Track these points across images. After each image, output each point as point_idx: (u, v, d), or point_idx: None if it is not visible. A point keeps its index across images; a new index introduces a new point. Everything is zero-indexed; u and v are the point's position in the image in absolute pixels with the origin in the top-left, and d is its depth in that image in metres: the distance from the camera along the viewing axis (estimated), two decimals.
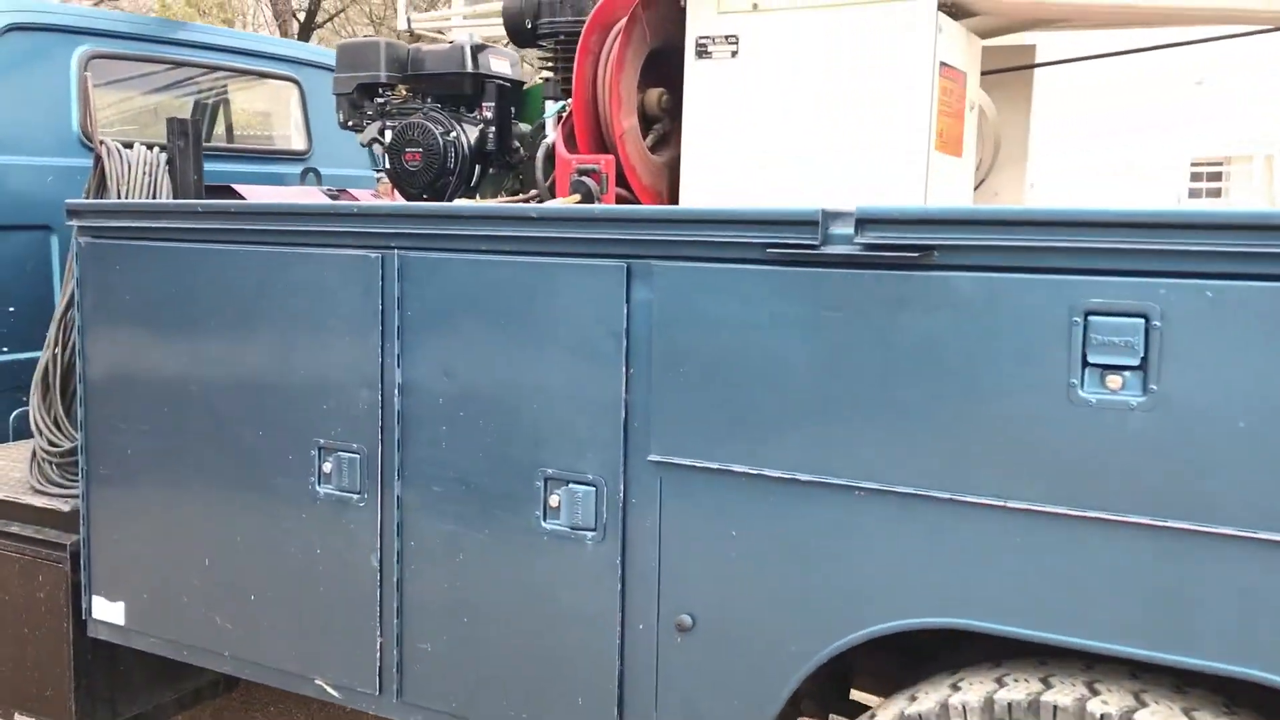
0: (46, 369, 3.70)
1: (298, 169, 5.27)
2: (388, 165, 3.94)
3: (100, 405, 3.37)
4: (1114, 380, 2.05)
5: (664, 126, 3.46)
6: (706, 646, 2.48)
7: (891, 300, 2.23)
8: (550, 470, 2.64)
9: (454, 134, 3.86)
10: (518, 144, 3.99)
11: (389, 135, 3.91)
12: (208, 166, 4.15)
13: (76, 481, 3.48)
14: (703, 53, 3.20)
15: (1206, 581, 2.00)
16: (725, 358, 2.41)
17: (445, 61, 3.94)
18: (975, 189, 3.67)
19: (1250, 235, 1.93)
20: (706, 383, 2.44)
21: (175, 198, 3.79)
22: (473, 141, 3.89)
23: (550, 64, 3.70)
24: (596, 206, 2.53)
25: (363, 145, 4.02)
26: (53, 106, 4.47)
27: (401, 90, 4.02)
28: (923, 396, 2.21)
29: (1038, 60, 3.80)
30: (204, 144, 4.43)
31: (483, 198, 4.09)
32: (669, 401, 2.49)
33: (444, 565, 2.81)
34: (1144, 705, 2.06)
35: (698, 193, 3.23)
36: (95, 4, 5.09)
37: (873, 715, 2.37)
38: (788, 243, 2.31)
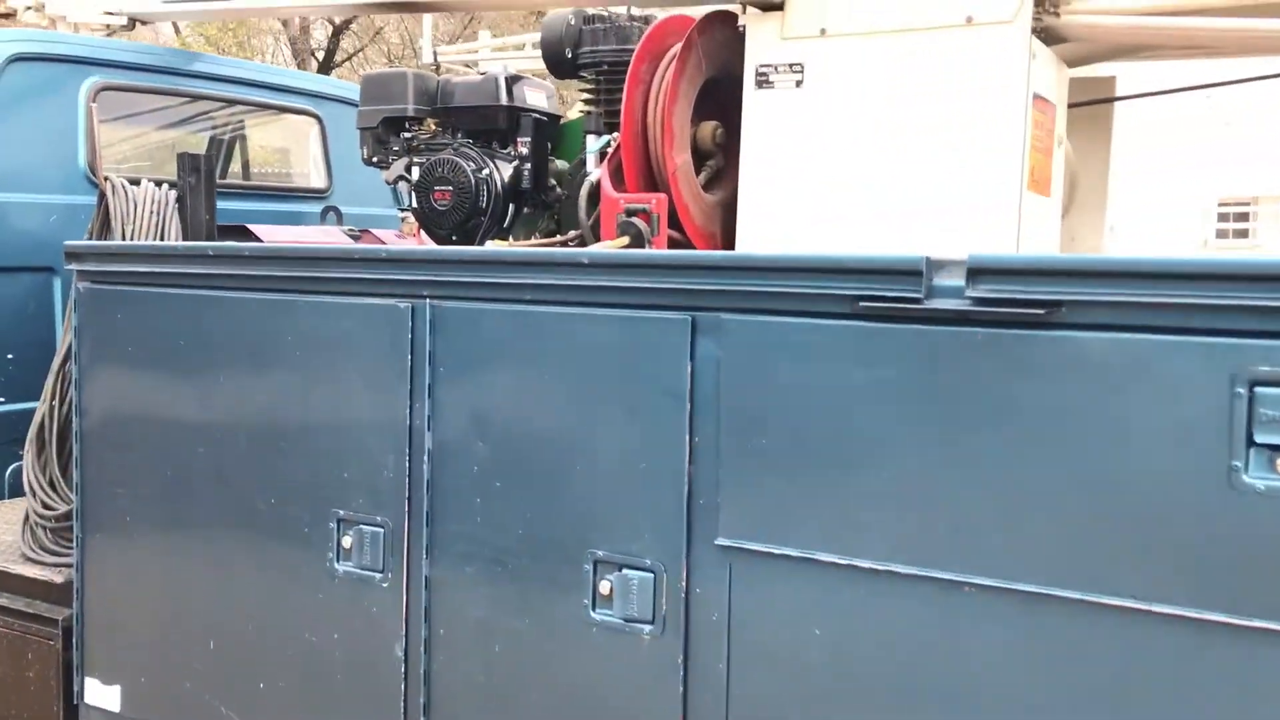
0: (42, 424, 3.40)
1: (317, 208, 4.99)
2: (415, 204, 3.65)
3: (97, 467, 3.06)
4: None
5: (718, 163, 3.17)
6: None
7: (1009, 364, 1.91)
8: (601, 552, 2.31)
9: (486, 171, 3.57)
10: (554, 182, 3.70)
11: (416, 172, 3.63)
12: (222, 205, 3.88)
13: (71, 549, 3.17)
14: (764, 82, 2.90)
15: None
16: (808, 426, 2.09)
17: (477, 93, 3.66)
18: None
19: None
20: (785, 455, 2.11)
21: (185, 239, 3.51)
22: (507, 179, 3.60)
23: (592, 96, 3.41)
24: (658, 252, 2.23)
25: (388, 183, 3.73)
26: (58, 141, 4.21)
27: (430, 124, 3.75)
28: (1047, 478, 1.88)
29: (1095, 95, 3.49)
30: (218, 181, 4.16)
31: (516, 239, 3.80)
32: (740, 476, 2.16)
33: (477, 657, 2.47)
34: None
35: (757, 235, 2.93)
36: (108, 34, 4.82)
37: None
38: (885, 295, 1.99)
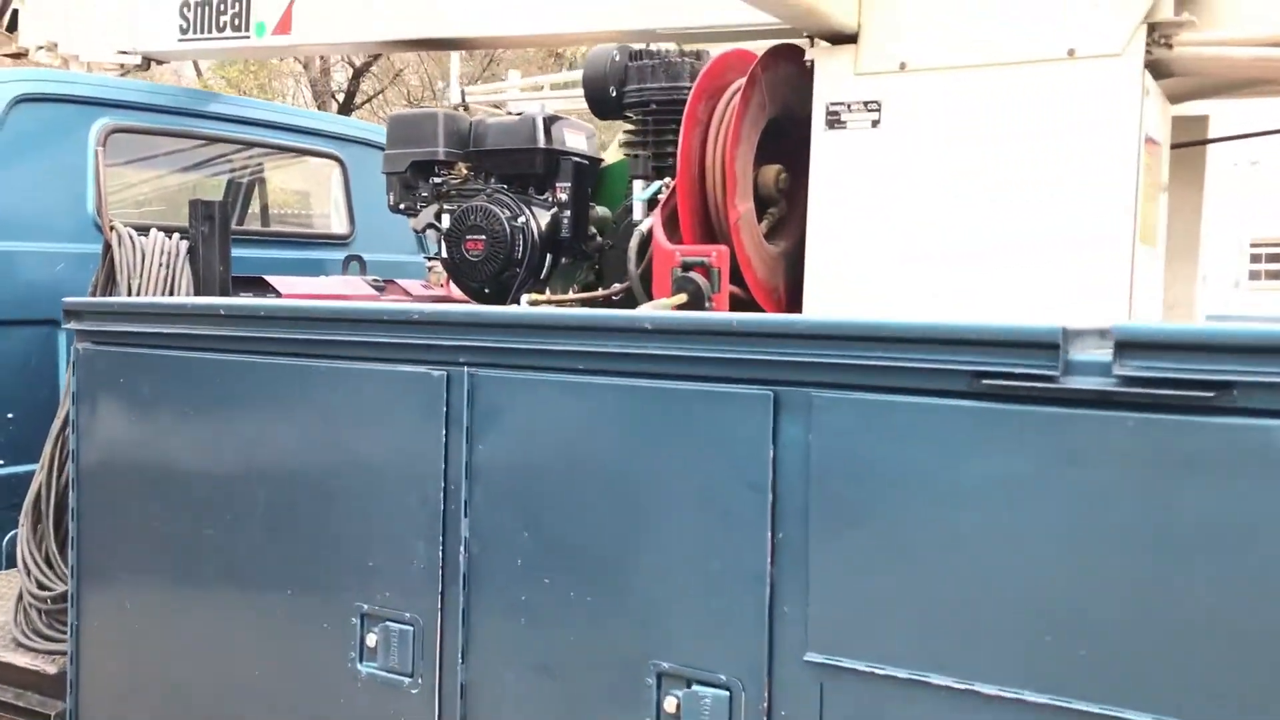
0: (39, 495, 3.12)
1: (339, 255, 4.72)
2: (444, 254, 3.37)
3: (95, 547, 2.76)
4: None
5: (781, 211, 2.88)
6: None
7: (1168, 456, 1.59)
8: (666, 664, 1.99)
9: (523, 219, 3.29)
10: (594, 230, 3.42)
11: (447, 220, 3.36)
12: (238, 253, 3.61)
13: (66, 635, 2.87)
14: (835, 122, 2.62)
15: None
16: (915, 524, 1.77)
17: (513, 135, 3.39)
18: None
19: None
20: (888, 558, 1.80)
21: (197, 292, 3.24)
22: (544, 227, 3.33)
23: (639, 137, 3.13)
24: (734, 316, 1.93)
25: (416, 231, 3.47)
26: (66, 185, 3.96)
27: (462, 168, 3.48)
28: (1221, 595, 1.56)
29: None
30: (236, 228, 3.90)
31: (553, 292, 3.51)
32: (833, 581, 1.85)
33: None
34: None
35: (827, 293, 2.63)
36: (123, 74, 4.60)
37: None
38: (1012, 371, 1.68)
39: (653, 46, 3.20)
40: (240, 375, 2.52)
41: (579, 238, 3.37)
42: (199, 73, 18.40)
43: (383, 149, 5.12)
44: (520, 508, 2.16)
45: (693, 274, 2.58)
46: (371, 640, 2.32)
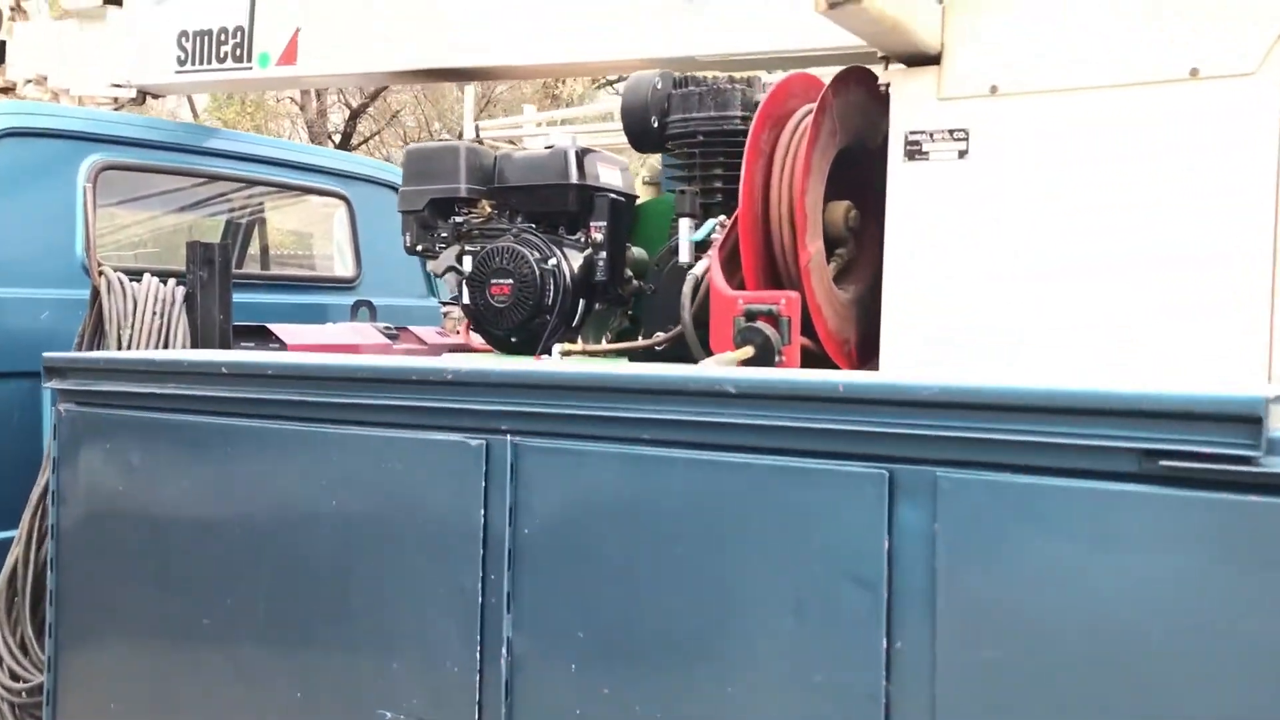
0: (14, 572, 2.79)
1: (344, 299, 4.42)
2: (467, 300, 3.07)
3: (76, 636, 2.43)
4: None
5: (849, 252, 2.58)
6: None
7: None
8: None
9: (553, 261, 3.00)
10: (630, 273, 3.12)
11: (469, 263, 3.06)
12: (239, 298, 3.31)
13: None
14: (916, 153, 2.33)
15: None
16: (1070, 636, 1.45)
17: (542, 170, 3.10)
18: None
19: None
20: (1033, 676, 1.48)
21: (195, 344, 2.92)
22: (577, 270, 3.03)
23: (685, 172, 2.84)
24: (844, 379, 1.62)
25: (436, 275, 3.16)
26: (53, 226, 3.65)
27: (485, 206, 3.18)
28: None
29: None
30: (235, 271, 3.60)
31: (584, 341, 3.20)
32: (965, 700, 1.52)
33: None
34: None
35: (907, 346, 2.33)
36: (116, 109, 4.31)
37: None
38: (1197, 451, 1.37)
39: (697, 73, 2.91)
40: (244, 442, 2.20)
41: (615, 281, 3.07)
42: (195, 113, 18.21)
43: (389, 186, 4.89)
44: (574, 603, 1.84)
45: (758, 324, 2.28)
46: None
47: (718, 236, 2.52)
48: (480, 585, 1.91)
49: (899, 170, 2.35)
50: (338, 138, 20.60)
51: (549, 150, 3.14)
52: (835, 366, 2.44)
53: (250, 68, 3.74)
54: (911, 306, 2.34)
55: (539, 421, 1.88)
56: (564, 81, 16.30)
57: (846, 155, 2.54)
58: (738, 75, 2.85)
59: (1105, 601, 1.44)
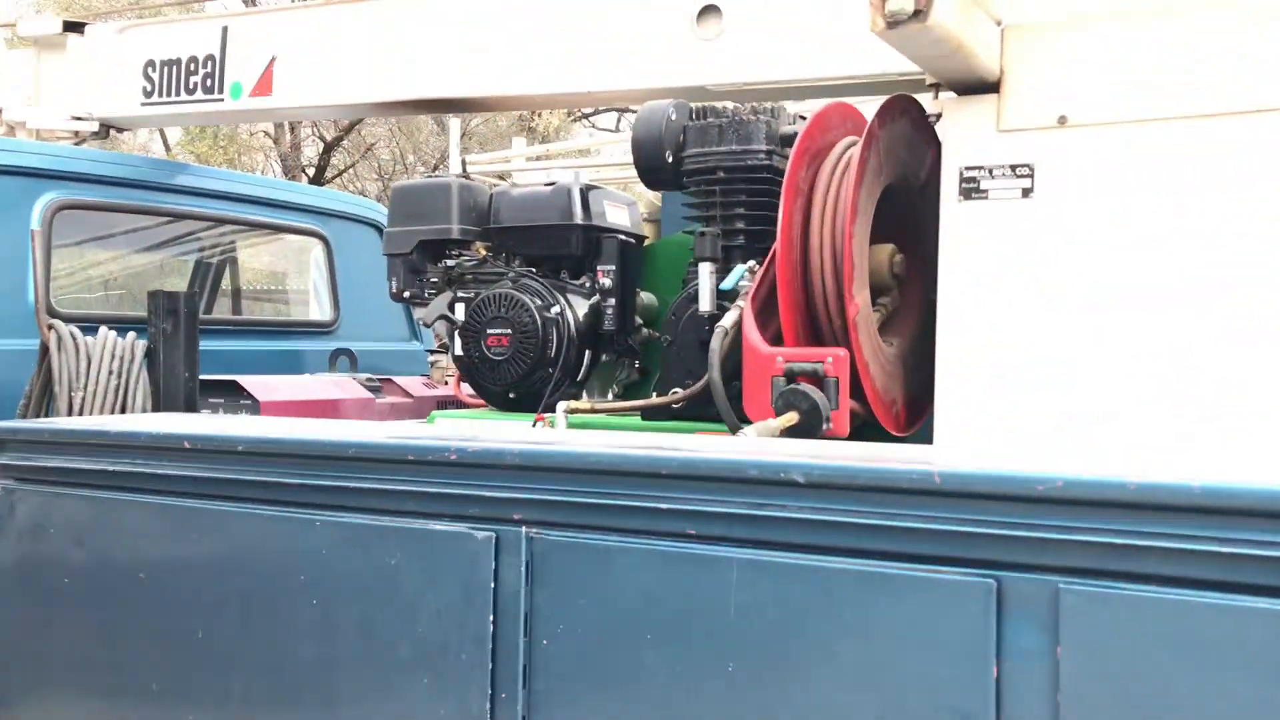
0: None
1: (321, 345, 4.12)
2: (460, 351, 2.79)
3: None
4: None
5: (893, 301, 2.31)
6: None
7: None
8: None
9: (556, 308, 2.73)
10: (640, 321, 2.85)
11: (462, 310, 2.78)
12: (208, 345, 3.00)
13: None
14: (973, 190, 2.07)
15: None
16: None
17: (543, 209, 2.83)
18: None
19: None
20: None
21: (156, 405, 2.62)
22: (582, 319, 2.76)
23: (704, 211, 2.57)
24: (931, 467, 1.34)
25: (426, 325, 2.87)
26: (6, 270, 3.34)
27: (480, 249, 2.91)
28: None
29: None
30: (204, 317, 3.30)
31: (589, 395, 2.92)
32: None
33: None
34: None
35: (966, 412, 2.06)
36: (78, 143, 4.01)
37: None
38: None
39: (718, 104, 2.66)
40: (211, 529, 1.89)
41: (624, 330, 2.80)
42: (168, 148, 17.88)
43: (369, 223, 4.61)
44: None
45: (801, 385, 2.00)
46: None
47: (747, 283, 2.24)
48: (489, 708, 1.60)
49: (954, 210, 2.09)
50: (311, 171, 20.32)
51: (550, 187, 2.87)
52: (884, 432, 2.16)
53: (222, 99, 3.46)
54: (969, 359, 2.07)
55: (560, 511, 1.59)
56: (539, 114, 16.09)
57: (886, 192, 2.28)
58: (759, 105, 2.60)
59: None
